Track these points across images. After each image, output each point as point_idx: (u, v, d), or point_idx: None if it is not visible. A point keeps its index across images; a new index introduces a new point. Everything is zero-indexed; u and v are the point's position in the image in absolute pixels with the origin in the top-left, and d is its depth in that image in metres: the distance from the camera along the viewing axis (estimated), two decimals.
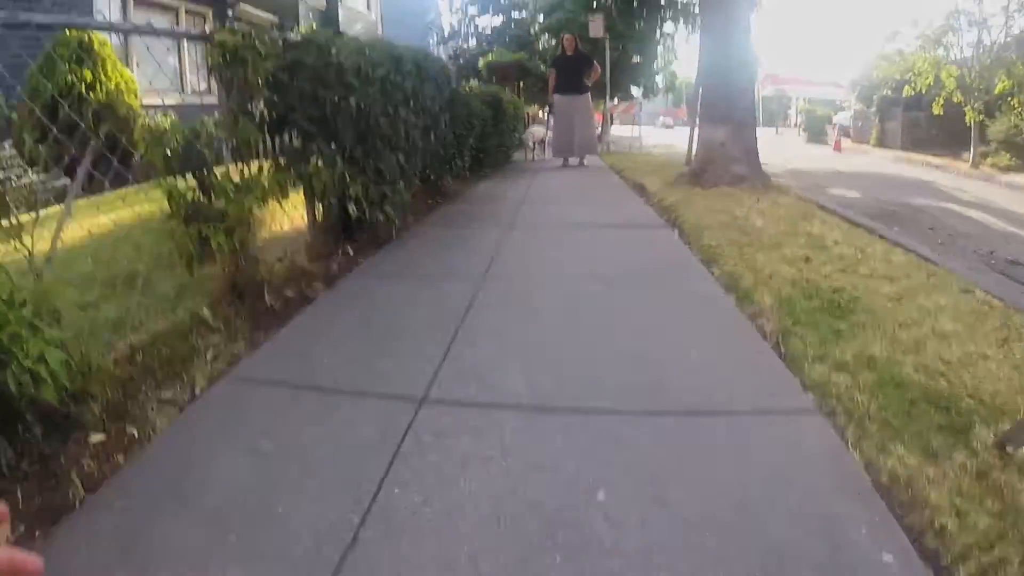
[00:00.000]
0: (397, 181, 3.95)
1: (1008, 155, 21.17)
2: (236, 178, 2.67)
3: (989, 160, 21.26)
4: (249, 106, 2.86)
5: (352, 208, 3.48)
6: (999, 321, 2.54)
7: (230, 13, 13.71)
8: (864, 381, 1.93)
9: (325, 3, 18.45)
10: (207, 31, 2.83)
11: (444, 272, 3.22)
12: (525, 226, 4.21)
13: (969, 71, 20.36)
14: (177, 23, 12.21)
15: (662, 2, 13.38)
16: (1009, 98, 20.45)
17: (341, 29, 18.69)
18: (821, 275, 2.98)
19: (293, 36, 3.22)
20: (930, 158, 21.82)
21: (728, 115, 6.49)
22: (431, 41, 32.95)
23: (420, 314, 2.69)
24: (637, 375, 2.03)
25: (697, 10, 10.57)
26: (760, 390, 1.94)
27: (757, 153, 6.65)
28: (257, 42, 2.77)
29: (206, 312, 2.49)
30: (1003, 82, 20.10)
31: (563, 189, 6.57)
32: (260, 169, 2.87)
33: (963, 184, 13.37)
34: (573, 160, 9.08)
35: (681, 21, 15.18)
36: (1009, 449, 1.64)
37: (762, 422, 1.77)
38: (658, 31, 16.00)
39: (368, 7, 21.68)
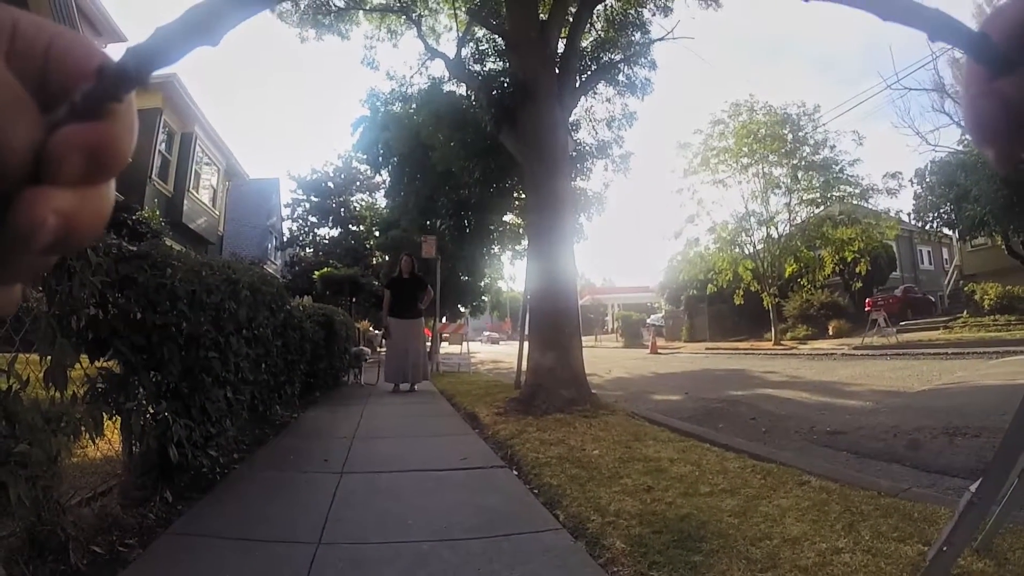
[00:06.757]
0: (224, 419, 3.64)
1: (804, 327, 24.73)
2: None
3: (789, 335, 24.56)
4: (71, 322, 2.47)
5: (174, 452, 3.10)
6: (840, 506, 2.81)
7: None
8: None
9: (172, 191, 18.16)
10: None
11: (276, 532, 2.87)
12: (359, 470, 3.98)
13: (762, 262, 24.05)
14: None
15: (491, 228, 14.46)
16: (799, 279, 24.32)
17: (184, 221, 18.35)
18: (665, 503, 3.06)
19: (127, 246, 2.94)
20: (737, 344, 24.91)
21: (555, 341, 6.86)
22: (269, 246, 32.88)
23: None
24: None
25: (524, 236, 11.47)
26: None
27: (585, 376, 7.03)
28: (89, 250, 2.49)
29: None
30: (791, 266, 23.94)
31: (395, 422, 6.33)
32: (74, 397, 2.48)
33: (771, 364, 14.92)
34: (404, 385, 8.98)
35: (508, 247, 16.25)
36: None
37: None
38: (486, 254, 16.69)
39: (213, 203, 21.65)
